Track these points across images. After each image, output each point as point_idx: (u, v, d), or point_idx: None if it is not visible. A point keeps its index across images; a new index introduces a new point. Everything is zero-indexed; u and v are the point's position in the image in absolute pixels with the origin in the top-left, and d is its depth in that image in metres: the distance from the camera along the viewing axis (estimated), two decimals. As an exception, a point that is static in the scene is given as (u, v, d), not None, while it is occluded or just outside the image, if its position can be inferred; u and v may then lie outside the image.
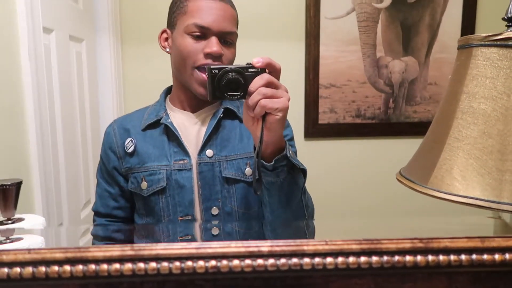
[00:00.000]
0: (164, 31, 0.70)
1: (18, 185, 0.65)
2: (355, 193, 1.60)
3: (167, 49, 0.70)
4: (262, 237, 0.69)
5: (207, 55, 0.64)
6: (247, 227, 0.63)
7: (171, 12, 0.69)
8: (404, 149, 1.60)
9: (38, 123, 0.98)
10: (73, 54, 1.31)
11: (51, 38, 1.18)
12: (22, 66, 0.95)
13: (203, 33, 0.64)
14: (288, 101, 0.52)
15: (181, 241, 0.45)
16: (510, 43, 0.48)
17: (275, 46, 1.55)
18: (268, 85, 0.51)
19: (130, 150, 0.68)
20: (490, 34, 0.50)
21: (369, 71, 1.61)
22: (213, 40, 0.63)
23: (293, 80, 1.59)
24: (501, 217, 0.45)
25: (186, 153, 0.67)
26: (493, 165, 0.49)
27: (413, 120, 1.61)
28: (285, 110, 0.52)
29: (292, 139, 0.72)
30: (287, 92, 0.53)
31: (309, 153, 1.61)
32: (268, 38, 1.54)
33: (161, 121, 0.69)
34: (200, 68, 0.64)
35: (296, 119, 1.59)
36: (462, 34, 1.65)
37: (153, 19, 1.44)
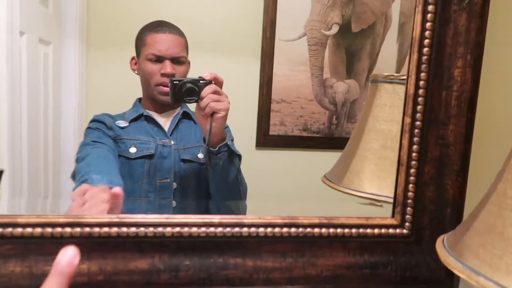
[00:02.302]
0: (133, 58, 0.88)
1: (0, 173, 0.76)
2: (295, 192, 1.77)
3: (136, 72, 0.87)
4: (208, 207, 0.87)
5: (163, 75, 0.83)
6: (198, 199, 0.82)
7: (136, 44, 0.87)
8: (342, 160, 1.79)
9: (11, 121, 1.07)
10: (41, 56, 1.38)
11: (22, 41, 1.26)
12: (-1, 67, 1.03)
13: (158, 58, 0.83)
14: (229, 104, 0.75)
15: (161, 198, 0.61)
16: (395, 80, 0.67)
17: (234, 63, 1.70)
18: (215, 92, 0.73)
19: (123, 125, 0.83)
20: (388, 74, 0.69)
21: (316, 90, 1.80)
22: (166, 63, 0.83)
23: (248, 94, 1.74)
24: (382, 206, 0.63)
25: (166, 135, 0.83)
26: (386, 170, 0.67)
27: (352, 136, 1.82)
28: (226, 110, 0.74)
29: (232, 140, 0.90)
30: (227, 98, 0.75)
31: (259, 161, 1.76)
32: (228, 55, 1.69)
33: (143, 114, 0.86)
34: (160, 85, 0.83)
35: (249, 130, 1.74)
36: (397, 64, 1.89)
37: (119, 26, 1.54)
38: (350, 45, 1.95)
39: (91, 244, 0.50)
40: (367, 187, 0.68)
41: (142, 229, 0.51)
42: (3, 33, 1.04)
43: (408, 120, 0.55)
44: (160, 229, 0.51)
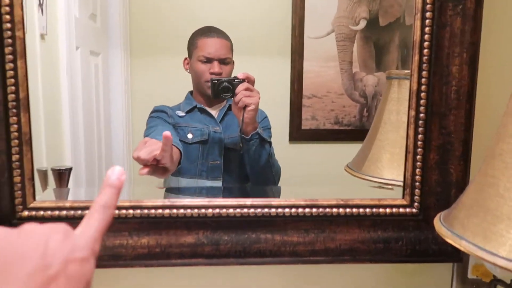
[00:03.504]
0: (185, 59, 1.00)
1: (69, 170, 0.92)
2: (327, 183, 1.85)
3: (188, 71, 0.99)
4: (247, 189, 0.98)
5: (212, 73, 0.95)
6: (238, 179, 0.94)
7: (188, 46, 0.99)
8: (373, 151, 1.85)
9: (71, 125, 1.23)
10: (92, 66, 1.55)
11: (77, 54, 1.43)
12: (61, 79, 1.19)
13: (208, 59, 0.95)
14: (259, 99, 0.87)
15: (212, 177, 0.83)
16: (404, 77, 0.74)
17: (266, 62, 1.79)
18: (247, 89, 0.86)
19: (181, 115, 0.96)
20: (399, 71, 0.76)
21: (346, 84, 1.85)
22: (215, 63, 0.95)
23: (280, 91, 1.83)
24: (393, 189, 0.71)
25: (217, 123, 0.96)
26: (400, 158, 0.74)
27: (383, 127, 1.87)
28: (256, 103, 0.87)
29: (270, 128, 1.00)
30: (258, 94, 0.88)
31: (293, 154, 1.85)
32: (260, 54, 1.79)
33: (197, 106, 0.97)
34: (209, 81, 0.94)
35: (282, 125, 1.82)
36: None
37: (158, 36, 1.68)
38: (379, 38, 1.99)
39: (149, 223, 0.62)
40: (384, 173, 0.76)
41: (189, 210, 0.62)
42: (63, 49, 1.20)
43: (412, 113, 0.63)
44: (203, 210, 0.62)
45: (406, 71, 0.78)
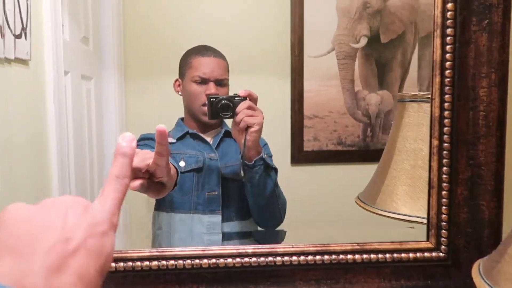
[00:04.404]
0: (176, 80, 0.92)
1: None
2: (333, 209, 1.76)
3: (179, 93, 0.92)
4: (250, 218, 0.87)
5: (207, 95, 0.85)
6: (239, 213, 0.83)
7: (181, 66, 0.92)
8: (379, 173, 1.76)
9: (59, 151, 1.15)
10: (84, 91, 1.48)
11: (67, 79, 1.36)
12: (47, 105, 1.12)
13: (203, 80, 0.87)
14: (262, 119, 0.76)
15: (209, 211, 0.72)
16: (422, 99, 0.66)
17: (265, 81, 1.73)
18: (249, 108, 0.75)
19: (171, 141, 0.87)
20: (415, 93, 0.69)
21: (349, 103, 1.79)
22: (211, 84, 0.87)
23: (280, 111, 1.76)
24: (414, 227, 0.62)
25: (212, 150, 0.86)
26: (419, 191, 0.66)
27: (389, 147, 1.79)
28: (260, 124, 0.76)
29: (271, 156, 0.92)
30: (262, 113, 0.77)
31: (295, 177, 1.77)
32: (258, 74, 1.73)
33: (188, 132, 0.89)
34: (204, 105, 0.86)
35: (283, 147, 1.75)
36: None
37: (154, 58, 1.62)
38: (380, 56, 1.93)
39: (134, 277, 0.54)
40: (400, 208, 0.68)
41: (180, 261, 0.54)
42: (50, 74, 1.13)
43: (435, 142, 0.55)
44: (197, 261, 0.54)
45: (422, 93, 0.70)
